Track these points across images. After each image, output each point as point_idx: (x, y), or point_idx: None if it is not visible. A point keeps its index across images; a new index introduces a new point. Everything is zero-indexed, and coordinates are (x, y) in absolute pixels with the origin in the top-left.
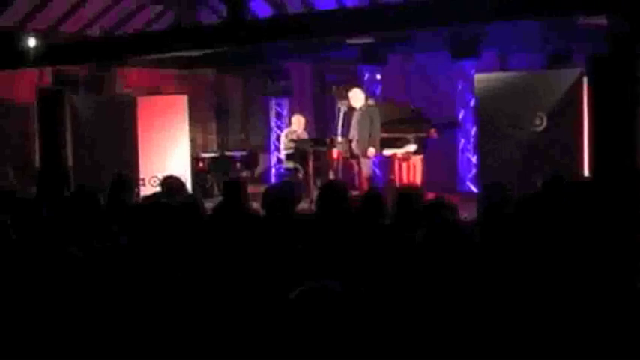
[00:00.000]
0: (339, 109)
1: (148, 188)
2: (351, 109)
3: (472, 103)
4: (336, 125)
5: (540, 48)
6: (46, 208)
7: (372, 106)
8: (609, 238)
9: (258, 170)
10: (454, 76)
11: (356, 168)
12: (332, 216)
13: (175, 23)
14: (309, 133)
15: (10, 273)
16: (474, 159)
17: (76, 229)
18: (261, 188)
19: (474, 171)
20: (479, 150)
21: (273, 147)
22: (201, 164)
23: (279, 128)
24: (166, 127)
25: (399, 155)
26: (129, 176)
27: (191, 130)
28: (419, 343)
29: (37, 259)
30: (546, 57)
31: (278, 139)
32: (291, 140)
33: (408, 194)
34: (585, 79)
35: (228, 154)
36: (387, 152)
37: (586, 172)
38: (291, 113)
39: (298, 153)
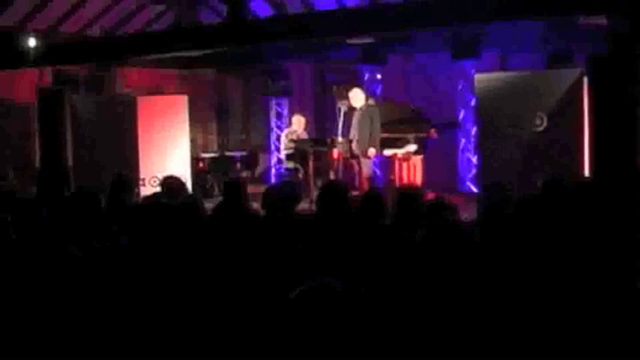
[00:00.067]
0: (340, 109)
1: (148, 188)
2: (352, 109)
3: (472, 103)
4: (337, 125)
5: (540, 48)
6: (46, 208)
7: (372, 106)
8: (609, 238)
9: (259, 170)
10: (454, 76)
11: (356, 168)
12: (332, 216)
13: (175, 23)
14: (309, 133)
15: (10, 273)
16: (474, 159)
17: (76, 229)
18: (262, 188)
19: (474, 171)
20: (479, 150)
21: (273, 147)
22: (201, 164)
23: (280, 128)
24: (166, 127)
25: (399, 155)
26: (129, 176)
27: (191, 130)
28: (419, 342)
29: (37, 259)
30: (546, 57)
31: (278, 139)
32: (292, 140)
33: (408, 194)
34: (585, 79)
35: (228, 154)
36: (388, 152)
37: (586, 172)
38: (292, 113)
39: (298, 153)
